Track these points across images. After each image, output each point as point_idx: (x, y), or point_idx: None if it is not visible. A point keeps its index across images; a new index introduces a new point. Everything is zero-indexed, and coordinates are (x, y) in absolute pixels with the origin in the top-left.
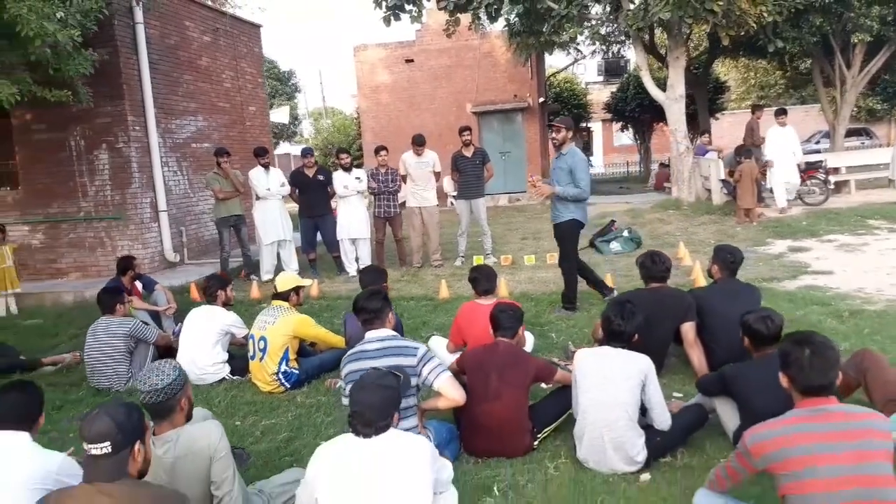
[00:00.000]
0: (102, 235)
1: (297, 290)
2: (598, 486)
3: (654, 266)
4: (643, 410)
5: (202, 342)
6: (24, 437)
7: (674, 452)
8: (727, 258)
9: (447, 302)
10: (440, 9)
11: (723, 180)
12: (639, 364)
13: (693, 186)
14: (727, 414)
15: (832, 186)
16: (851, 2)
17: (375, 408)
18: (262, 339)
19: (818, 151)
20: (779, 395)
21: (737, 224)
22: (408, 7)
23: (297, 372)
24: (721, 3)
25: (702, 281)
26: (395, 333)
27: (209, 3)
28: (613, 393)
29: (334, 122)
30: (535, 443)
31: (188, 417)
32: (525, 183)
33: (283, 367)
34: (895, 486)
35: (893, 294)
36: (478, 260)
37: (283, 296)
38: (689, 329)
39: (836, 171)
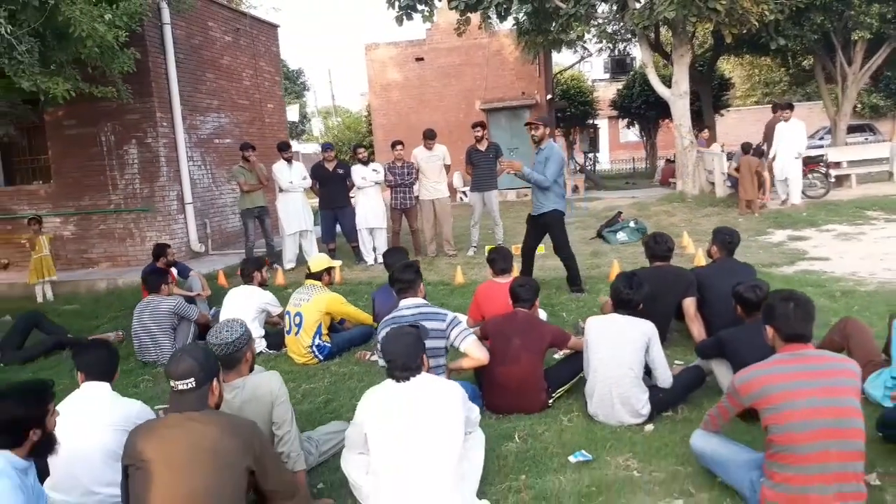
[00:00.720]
0: (131, 227)
1: (328, 270)
2: (607, 435)
3: (657, 246)
4: (648, 372)
5: (242, 318)
6: (106, 387)
7: (674, 408)
8: (725, 239)
9: (462, 287)
10: (451, 8)
11: (728, 174)
12: (643, 328)
13: (697, 180)
14: (723, 374)
15: (833, 180)
16: (851, 0)
17: (403, 353)
18: (298, 314)
19: (821, 146)
20: (766, 354)
21: (739, 215)
22: (420, 7)
23: (329, 345)
24: (724, 2)
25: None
26: (425, 301)
27: (230, 4)
28: (621, 353)
29: (344, 119)
30: (550, 401)
31: (251, 368)
32: None
33: (317, 341)
34: (859, 417)
35: (885, 277)
36: (490, 248)
37: (317, 276)
38: (689, 304)
39: (837, 165)
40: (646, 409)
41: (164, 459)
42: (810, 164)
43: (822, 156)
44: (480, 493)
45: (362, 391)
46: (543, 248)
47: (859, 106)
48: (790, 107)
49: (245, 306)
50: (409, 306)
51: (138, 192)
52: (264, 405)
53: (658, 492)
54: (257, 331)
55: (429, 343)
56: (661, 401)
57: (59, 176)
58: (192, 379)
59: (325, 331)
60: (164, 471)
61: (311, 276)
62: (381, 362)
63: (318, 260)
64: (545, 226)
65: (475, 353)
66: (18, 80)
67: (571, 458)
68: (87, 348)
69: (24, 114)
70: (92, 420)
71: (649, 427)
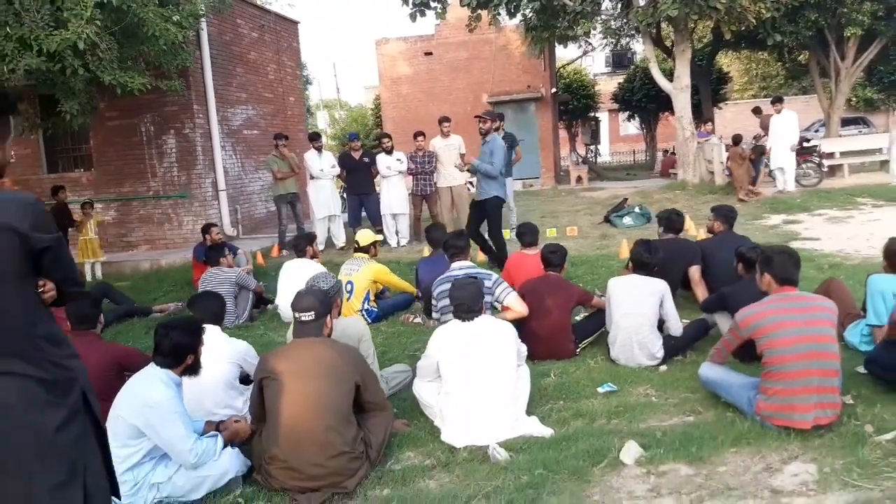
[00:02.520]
0: (169, 212)
1: (374, 244)
2: (627, 373)
3: (678, 219)
4: (661, 325)
5: (297, 287)
6: (217, 329)
7: (684, 353)
8: (728, 214)
9: (483, 264)
10: (463, 5)
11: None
12: (658, 286)
13: (697, 169)
14: (724, 324)
15: (826, 169)
16: None
17: (469, 298)
18: (349, 282)
19: (805, 139)
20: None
21: (737, 201)
22: (433, 4)
23: (376, 310)
24: (724, 1)
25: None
26: (472, 264)
27: (256, 1)
28: (640, 306)
29: (351, 112)
30: (578, 350)
31: (339, 313)
32: (538, 169)
33: (366, 306)
34: (835, 342)
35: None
36: (505, 234)
37: (365, 249)
38: (695, 270)
39: (830, 155)
40: (660, 352)
41: (293, 371)
42: (804, 154)
43: (816, 146)
44: (528, 413)
45: (411, 345)
46: (554, 231)
47: (854, 99)
48: (780, 100)
49: (301, 277)
50: (461, 268)
51: (176, 179)
52: (353, 341)
53: (673, 411)
54: None
55: None
56: (673, 347)
57: (101, 164)
58: (312, 312)
59: (373, 297)
60: (293, 379)
61: (359, 249)
62: (435, 314)
63: (366, 235)
64: (484, 210)
65: (516, 306)
66: (101, 75)
67: (600, 389)
68: (203, 297)
69: (94, 107)
70: (213, 356)
71: (663, 367)
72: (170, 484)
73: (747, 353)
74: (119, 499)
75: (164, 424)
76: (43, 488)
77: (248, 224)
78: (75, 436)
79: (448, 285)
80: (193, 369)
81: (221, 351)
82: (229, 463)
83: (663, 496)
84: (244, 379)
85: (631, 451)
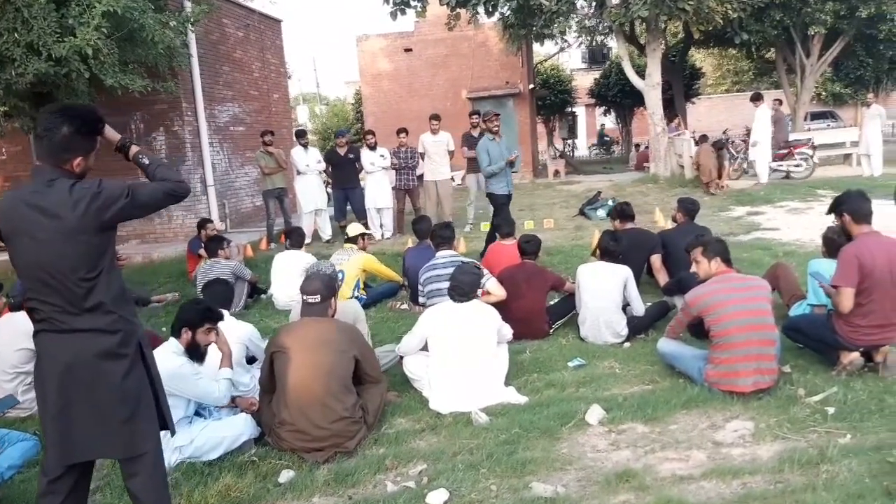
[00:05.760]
0: None
1: (363, 236)
2: (595, 350)
3: (628, 208)
4: (626, 307)
5: (291, 277)
6: (226, 312)
7: (646, 331)
8: (688, 206)
9: (465, 255)
10: (442, 4)
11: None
12: (622, 271)
13: (668, 163)
14: (682, 305)
15: (817, 161)
16: None
17: (468, 283)
18: (340, 271)
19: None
20: None
21: (704, 194)
22: (413, 3)
23: (364, 297)
24: (692, 2)
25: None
26: (456, 253)
27: (240, 0)
28: (606, 289)
29: (332, 107)
30: (551, 330)
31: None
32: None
33: (356, 293)
34: (771, 316)
35: None
36: (485, 227)
37: (353, 240)
38: (656, 259)
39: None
40: (624, 331)
41: (299, 345)
42: (797, 145)
43: (810, 139)
44: (506, 385)
45: (399, 329)
46: (532, 223)
47: (823, 94)
48: (758, 97)
49: (295, 266)
50: (446, 256)
51: None
52: (350, 321)
53: (634, 381)
54: None
55: None
56: (636, 326)
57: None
58: (318, 295)
59: (362, 285)
60: (299, 352)
61: (349, 240)
62: (422, 299)
63: (355, 227)
64: None
65: (496, 290)
66: (104, 77)
67: (570, 363)
68: (213, 284)
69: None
70: (228, 335)
71: (627, 344)
72: (191, 446)
73: (701, 331)
74: (172, 434)
75: (189, 386)
76: (115, 422)
77: (235, 218)
78: (136, 381)
79: (434, 272)
80: (199, 355)
81: (231, 333)
82: (244, 426)
83: (621, 449)
84: (249, 359)
85: (595, 413)
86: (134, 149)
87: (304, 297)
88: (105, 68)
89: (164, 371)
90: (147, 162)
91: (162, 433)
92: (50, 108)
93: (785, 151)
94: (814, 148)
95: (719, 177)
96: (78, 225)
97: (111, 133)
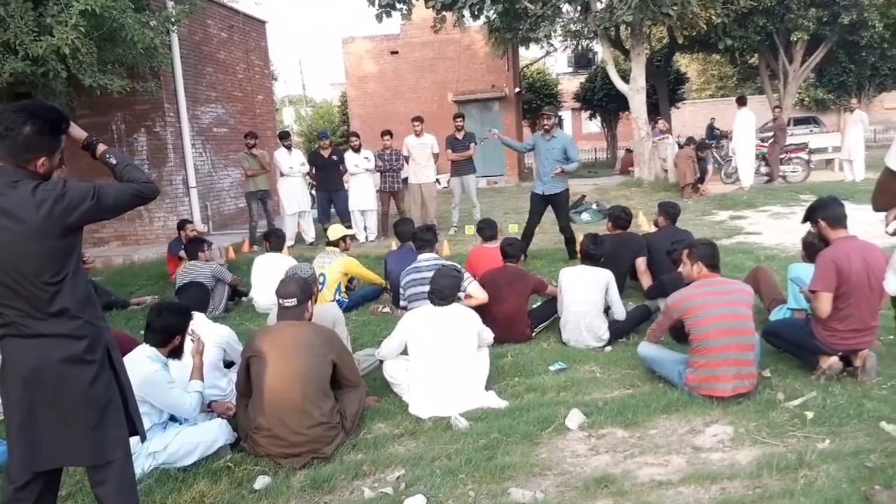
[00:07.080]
0: (141, 208)
1: (344, 238)
2: (576, 353)
3: (626, 215)
4: (607, 311)
5: (271, 279)
6: (202, 315)
7: (627, 335)
8: (669, 210)
9: (449, 258)
10: (428, 7)
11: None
12: (603, 275)
13: (652, 167)
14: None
15: (813, 165)
16: (791, 4)
17: (448, 287)
18: (322, 274)
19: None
20: None
21: (686, 198)
22: (398, 5)
23: (347, 300)
24: (676, 8)
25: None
26: (438, 256)
27: (224, 1)
28: (587, 294)
29: (317, 109)
30: (533, 333)
31: (316, 300)
32: (503, 167)
33: (337, 297)
34: (751, 321)
35: None
36: (469, 230)
37: (335, 243)
38: (641, 262)
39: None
40: (606, 335)
41: (276, 350)
42: (794, 149)
43: (806, 143)
44: (486, 389)
45: (380, 332)
46: (516, 227)
47: (806, 100)
48: (741, 100)
49: (273, 270)
50: (427, 259)
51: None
52: (328, 325)
53: (615, 385)
54: None
55: None
56: (617, 330)
57: (72, 161)
58: (294, 299)
59: (343, 288)
60: (275, 357)
61: (330, 243)
62: (402, 303)
63: (336, 230)
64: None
65: (478, 293)
66: (82, 77)
67: (551, 367)
68: (188, 287)
69: (72, 108)
70: (206, 337)
71: (608, 348)
72: (165, 452)
73: (682, 335)
74: (143, 440)
75: (160, 394)
76: (82, 429)
77: (217, 220)
78: (104, 387)
79: (416, 275)
80: (178, 353)
81: (208, 336)
82: (219, 431)
83: (601, 454)
84: (226, 363)
85: (574, 418)
86: (101, 148)
87: (280, 301)
88: (83, 68)
89: (136, 376)
90: (115, 161)
91: (133, 439)
92: (12, 106)
93: (783, 157)
94: (810, 152)
95: (701, 181)
96: (41, 227)
97: (77, 131)
